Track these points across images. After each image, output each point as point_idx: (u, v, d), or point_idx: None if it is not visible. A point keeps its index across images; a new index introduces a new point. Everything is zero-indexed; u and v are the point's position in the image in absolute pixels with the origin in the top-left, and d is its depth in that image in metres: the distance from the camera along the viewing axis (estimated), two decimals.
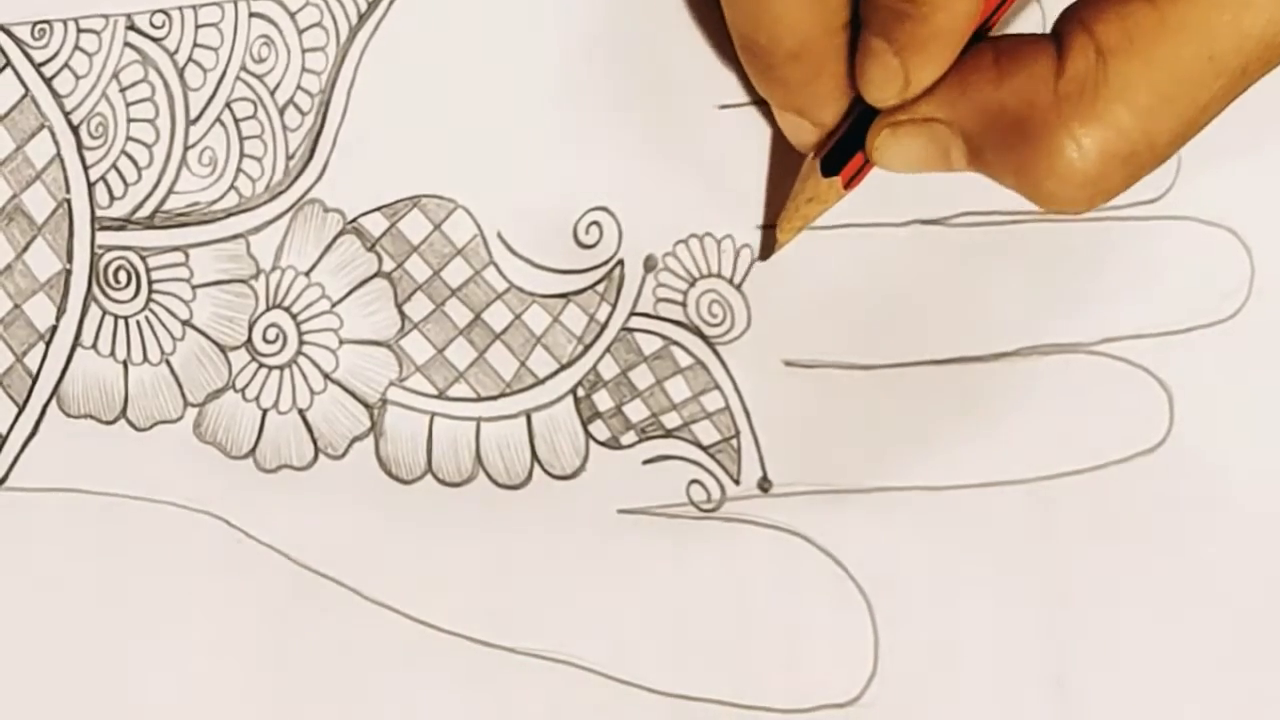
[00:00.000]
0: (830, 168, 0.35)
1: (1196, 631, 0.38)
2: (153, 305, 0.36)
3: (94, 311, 0.36)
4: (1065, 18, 0.33)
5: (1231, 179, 0.38)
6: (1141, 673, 0.37)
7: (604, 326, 0.37)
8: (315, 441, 0.37)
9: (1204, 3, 0.31)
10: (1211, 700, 0.38)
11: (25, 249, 0.36)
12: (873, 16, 0.33)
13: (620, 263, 0.37)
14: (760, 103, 0.37)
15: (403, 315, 0.37)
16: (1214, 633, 0.38)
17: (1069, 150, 0.32)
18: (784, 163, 0.37)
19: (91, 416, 0.36)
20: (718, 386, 0.37)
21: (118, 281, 0.36)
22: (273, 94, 0.36)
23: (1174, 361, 0.38)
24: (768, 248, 0.37)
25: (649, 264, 0.37)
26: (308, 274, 0.37)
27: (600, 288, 0.37)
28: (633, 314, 0.37)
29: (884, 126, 0.34)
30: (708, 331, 0.37)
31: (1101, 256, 0.38)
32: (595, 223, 0.37)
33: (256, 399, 0.36)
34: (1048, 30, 0.33)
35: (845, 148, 0.35)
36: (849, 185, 0.35)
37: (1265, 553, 0.38)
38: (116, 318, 0.36)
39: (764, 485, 0.37)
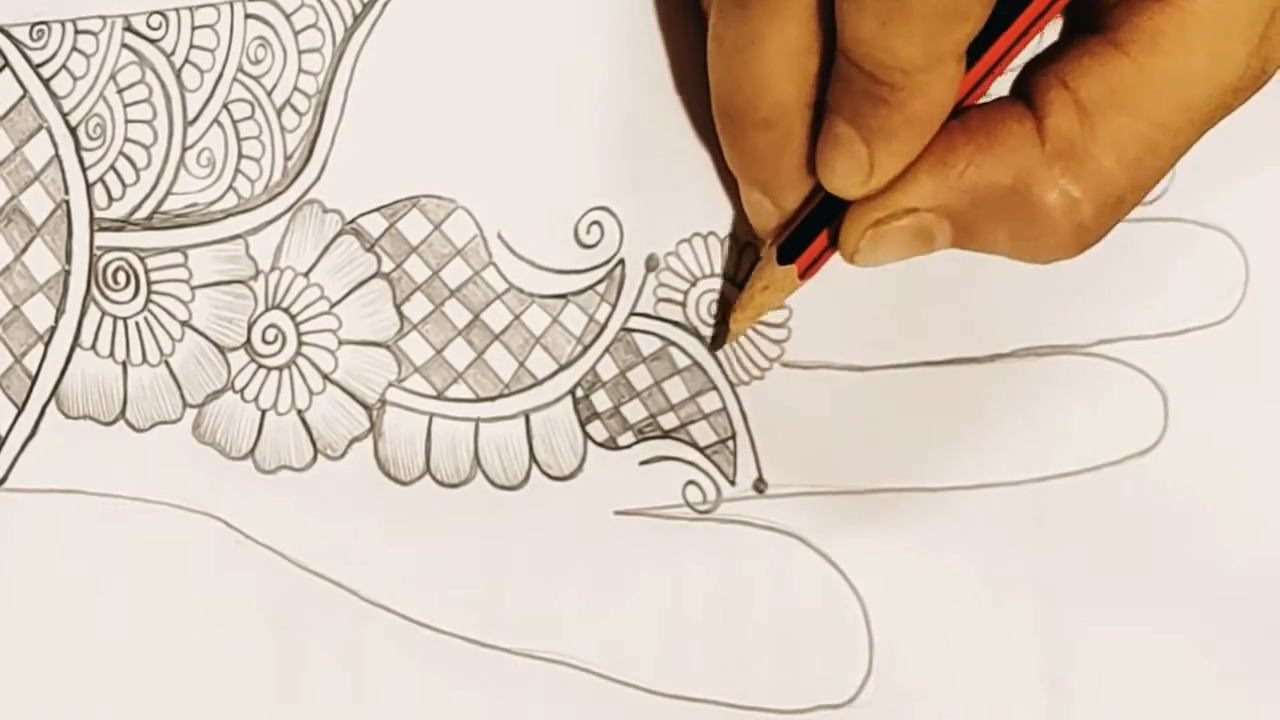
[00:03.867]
0: (787, 256, 0.34)
1: (1191, 633, 0.38)
2: (151, 306, 0.36)
3: (93, 312, 0.36)
4: (1034, 76, 0.33)
5: (1226, 181, 0.38)
6: (1135, 674, 0.38)
7: (603, 327, 0.37)
8: (314, 442, 0.37)
9: (1180, 54, 0.32)
10: (1206, 702, 0.38)
11: (24, 250, 0.36)
12: (842, 100, 0.32)
13: (621, 262, 0.37)
14: None
15: (401, 316, 0.37)
16: (1208, 634, 0.38)
17: (1065, 207, 0.32)
18: None
19: (90, 417, 0.36)
20: (715, 388, 0.37)
21: (116, 282, 0.36)
22: (270, 95, 0.36)
23: (1169, 363, 0.38)
24: (719, 339, 0.37)
25: (651, 263, 0.37)
26: (307, 275, 0.37)
27: (601, 288, 0.37)
28: (632, 314, 0.37)
29: (864, 228, 0.33)
30: (706, 332, 0.37)
31: (1097, 259, 0.37)
32: (596, 222, 0.37)
33: (255, 400, 0.36)
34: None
35: (802, 235, 0.34)
36: (804, 275, 0.35)
37: (1260, 554, 0.38)
38: (115, 319, 0.36)
39: (759, 486, 0.37)
